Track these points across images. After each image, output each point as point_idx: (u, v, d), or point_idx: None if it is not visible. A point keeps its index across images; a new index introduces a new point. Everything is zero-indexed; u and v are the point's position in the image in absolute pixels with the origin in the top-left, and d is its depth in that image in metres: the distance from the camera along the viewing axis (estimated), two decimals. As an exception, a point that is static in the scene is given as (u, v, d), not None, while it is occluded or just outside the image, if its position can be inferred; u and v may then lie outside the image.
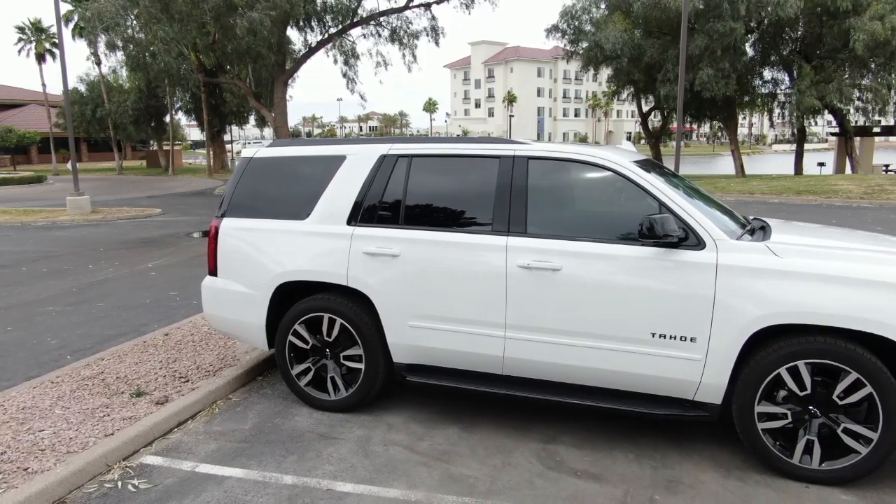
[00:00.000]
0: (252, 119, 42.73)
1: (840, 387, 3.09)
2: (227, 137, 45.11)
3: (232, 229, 4.25)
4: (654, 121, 38.71)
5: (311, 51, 26.44)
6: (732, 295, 3.18)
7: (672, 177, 3.90)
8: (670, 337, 3.30)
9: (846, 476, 3.14)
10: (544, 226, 3.57)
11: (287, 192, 4.16)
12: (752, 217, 4.24)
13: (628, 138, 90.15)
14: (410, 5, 25.78)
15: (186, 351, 5.22)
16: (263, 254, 4.11)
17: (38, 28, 42.46)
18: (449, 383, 3.76)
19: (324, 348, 4.04)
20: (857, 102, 26.84)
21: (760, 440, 3.25)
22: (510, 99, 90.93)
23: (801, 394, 3.16)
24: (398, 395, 4.31)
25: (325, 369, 4.08)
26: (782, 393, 3.21)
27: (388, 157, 3.97)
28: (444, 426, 3.85)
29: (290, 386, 4.17)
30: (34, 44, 42.43)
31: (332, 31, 26.01)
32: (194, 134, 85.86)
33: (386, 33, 26.54)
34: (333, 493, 3.12)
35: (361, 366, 3.95)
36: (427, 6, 25.95)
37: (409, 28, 26.47)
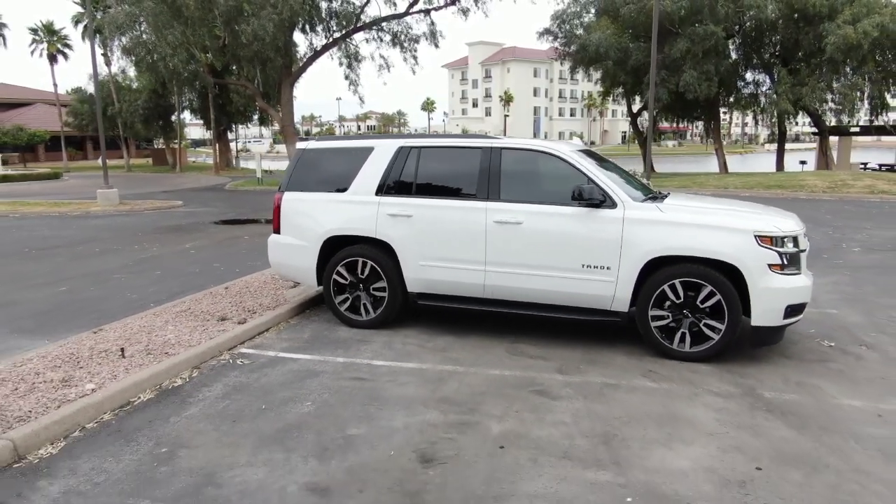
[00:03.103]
0: (255, 118, 44.31)
1: (700, 296, 4.75)
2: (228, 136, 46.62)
3: (291, 200, 5.91)
4: (647, 121, 40.33)
5: (317, 54, 28.00)
6: (633, 237, 4.84)
7: (601, 161, 5.57)
8: (594, 267, 4.96)
9: (706, 355, 4.80)
10: (512, 194, 5.24)
11: (331, 173, 5.81)
12: (662, 190, 5.90)
13: (623, 138, 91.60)
14: (411, 11, 27.37)
15: (246, 296, 6.86)
16: (314, 217, 5.76)
17: (50, 30, 43.97)
18: (447, 304, 5.44)
19: (358, 283, 5.71)
20: (830, 104, 28.50)
21: (652, 334, 4.91)
22: (507, 99, 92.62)
23: (678, 302, 4.82)
24: (411, 320, 5.97)
25: (358, 299, 5.75)
26: (667, 302, 4.87)
27: (403, 148, 5.63)
28: (444, 335, 5.52)
29: (334, 311, 5.83)
30: (46, 45, 43.93)
31: (337, 35, 27.59)
32: (194, 132, 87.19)
33: (388, 38, 28.11)
34: (372, 365, 4.78)
35: (385, 294, 5.61)
36: (426, 12, 27.53)
37: (409, 33, 28.07)
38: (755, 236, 4.63)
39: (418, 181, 5.52)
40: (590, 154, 5.58)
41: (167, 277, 8.60)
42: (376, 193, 5.60)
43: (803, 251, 4.84)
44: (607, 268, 4.93)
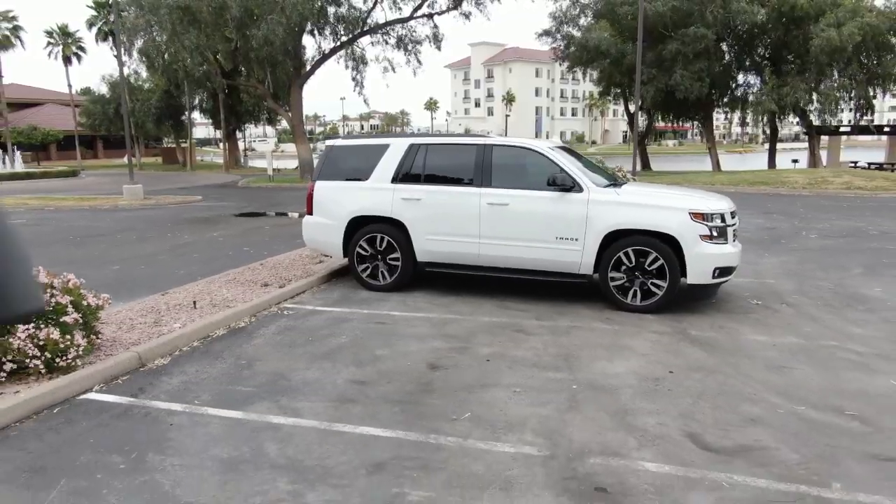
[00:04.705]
0: (263, 118, 45.68)
1: (647, 260, 6.04)
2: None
3: (322, 188, 7.22)
4: (643, 121, 41.54)
5: (325, 57, 29.33)
6: (595, 215, 6.13)
7: (573, 155, 6.87)
8: (565, 238, 6.25)
9: (653, 308, 6.09)
10: (501, 181, 6.53)
11: (354, 166, 7.12)
12: (623, 178, 7.17)
13: (624, 138, 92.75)
14: (415, 15, 28.68)
15: (281, 270, 8.17)
16: (341, 201, 7.07)
17: (65, 32, 45.42)
18: (449, 270, 6.75)
19: (376, 254, 7.02)
20: (816, 104, 29.71)
21: (611, 292, 6.21)
22: (509, 98, 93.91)
23: (630, 266, 6.11)
24: (419, 286, 7.27)
25: (377, 268, 7.06)
26: (622, 266, 6.15)
27: (414, 144, 6.94)
28: (447, 295, 6.84)
29: (357, 278, 7.15)
30: (62, 47, 45.36)
31: (344, 39, 28.92)
32: (200, 132, 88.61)
33: (392, 41, 29.44)
34: (390, 315, 6.09)
35: (399, 263, 6.92)
36: (430, 16, 28.85)
37: (413, 36, 29.39)
38: (689, 213, 5.92)
39: (426, 171, 6.82)
40: (564, 149, 6.88)
41: (206, 259, 9.87)
42: (392, 181, 6.90)
43: (730, 226, 6.12)
44: (575, 239, 6.22)
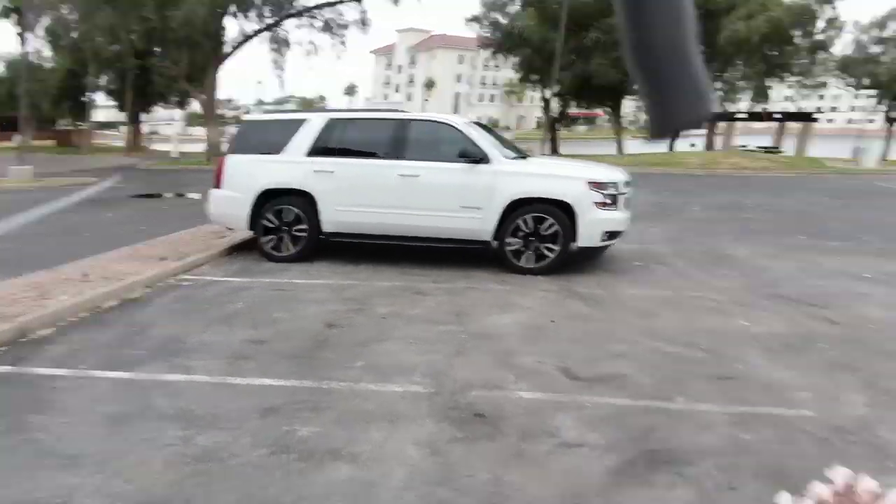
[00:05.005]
0: (174, 100, 43.10)
1: (543, 226, 6.45)
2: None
3: (234, 161, 7.14)
4: (557, 106, 43.02)
5: (247, 39, 28.11)
6: (499, 185, 6.46)
7: (485, 129, 7.20)
8: (470, 207, 6.54)
9: (545, 269, 6.51)
10: (415, 154, 6.72)
11: (271, 139, 7.08)
12: (533, 154, 7.60)
13: (537, 125, 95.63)
14: (344, 0, 27.97)
15: (180, 245, 7.93)
16: (253, 174, 7.02)
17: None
18: (356, 239, 6.90)
19: (282, 226, 7.01)
20: (718, 93, 32.10)
21: (507, 257, 6.58)
22: (429, 84, 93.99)
23: (528, 231, 6.49)
24: (323, 256, 7.30)
25: (282, 239, 7.04)
26: (520, 232, 6.53)
27: (331, 119, 6.99)
28: (347, 264, 6.97)
29: (261, 249, 7.13)
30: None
31: (270, 21, 27.82)
32: (101, 114, 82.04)
33: (319, 24, 28.62)
34: (292, 282, 6.16)
35: (305, 235, 6.94)
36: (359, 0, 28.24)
37: (341, 20, 28.72)
38: (587, 182, 6.38)
39: (343, 145, 6.94)
40: (477, 125, 7.23)
41: (98, 238, 9.27)
42: (308, 155, 6.91)
43: (622, 194, 6.65)
44: (479, 208, 6.53)
